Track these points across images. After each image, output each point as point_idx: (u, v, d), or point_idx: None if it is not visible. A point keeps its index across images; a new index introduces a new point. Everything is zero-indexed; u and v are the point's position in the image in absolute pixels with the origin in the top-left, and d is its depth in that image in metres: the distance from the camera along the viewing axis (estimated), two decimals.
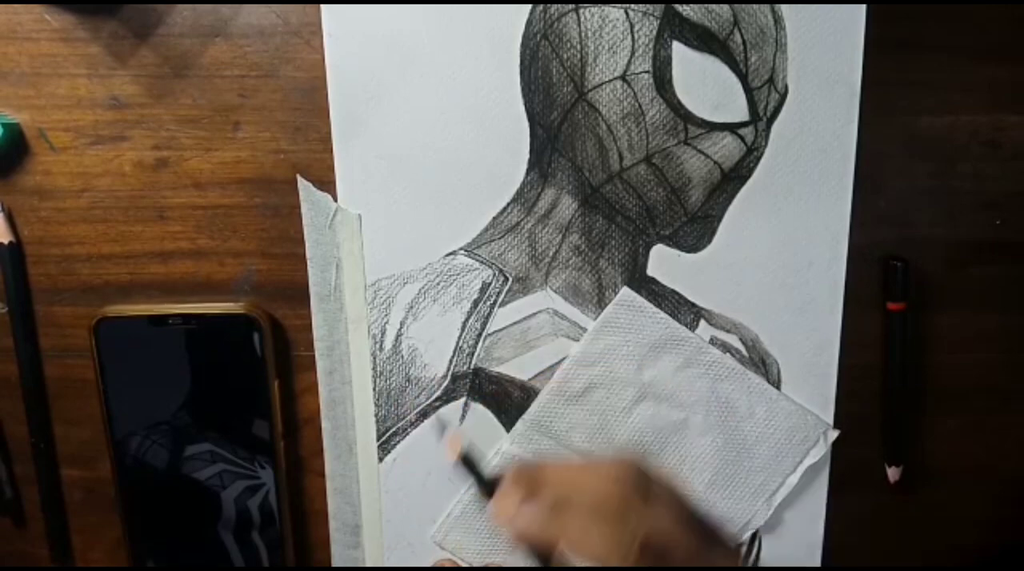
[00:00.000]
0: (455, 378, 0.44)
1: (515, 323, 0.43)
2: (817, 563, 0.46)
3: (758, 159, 0.41)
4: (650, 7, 0.39)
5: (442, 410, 0.43)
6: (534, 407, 0.44)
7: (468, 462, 0.33)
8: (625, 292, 0.43)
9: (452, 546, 0.45)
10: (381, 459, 0.45)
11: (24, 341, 0.44)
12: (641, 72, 0.40)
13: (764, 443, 0.44)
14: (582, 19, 0.40)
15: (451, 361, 0.44)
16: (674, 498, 0.32)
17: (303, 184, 0.42)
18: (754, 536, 0.46)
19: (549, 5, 0.39)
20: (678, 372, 0.43)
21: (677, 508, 0.31)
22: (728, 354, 0.43)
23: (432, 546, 0.45)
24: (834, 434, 0.44)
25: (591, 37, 0.40)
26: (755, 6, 0.39)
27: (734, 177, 0.42)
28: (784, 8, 0.39)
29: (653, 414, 0.44)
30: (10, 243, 0.42)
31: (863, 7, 0.39)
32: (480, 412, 0.44)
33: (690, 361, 0.43)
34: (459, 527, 0.45)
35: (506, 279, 0.43)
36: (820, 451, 0.44)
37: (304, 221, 0.42)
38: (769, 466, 0.44)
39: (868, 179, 0.41)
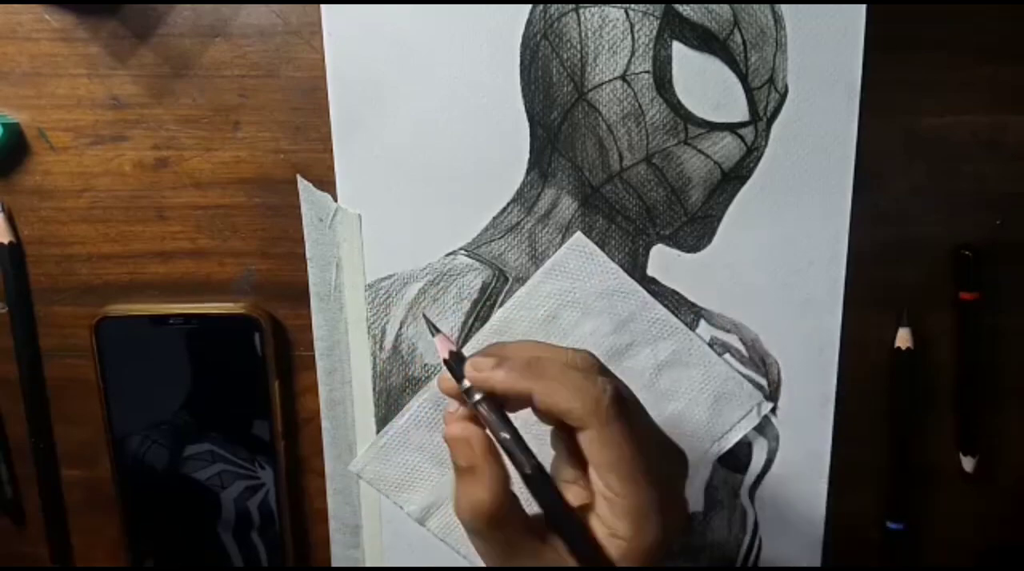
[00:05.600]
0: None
1: None
2: (817, 563, 0.46)
3: (758, 159, 0.41)
4: (650, 7, 0.39)
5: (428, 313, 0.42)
6: (468, 346, 0.43)
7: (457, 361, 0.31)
8: (578, 237, 0.42)
9: (370, 476, 0.45)
10: None
11: (24, 341, 0.44)
12: (641, 72, 0.40)
13: (696, 407, 0.44)
14: (582, 19, 0.40)
15: None
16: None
17: (303, 184, 0.42)
18: (754, 535, 0.46)
19: (549, 5, 0.39)
20: (621, 326, 0.43)
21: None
22: (672, 314, 0.43)
23: (431, 545, 0.45)
24: (768, 406, 0.44)
25: (591, 37, 0.40)
26: (755, 6, 0.39)
27: (734, 177, 0.42)
28: (784, 8, 0.39)
29: None
30: (10, 243, 0.42)
31: (863, 7, 0.39)
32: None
33: (633, 315, 0.43)
34: (380, 458, 0.44)
35: (506, 279, 0.43)
36: (752, 422, 0.44)
37: (304, 221, 0.42)
38: (698, 431, 0.44)
39: (868, 179, 0.41)
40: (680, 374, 0.44)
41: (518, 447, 0.30)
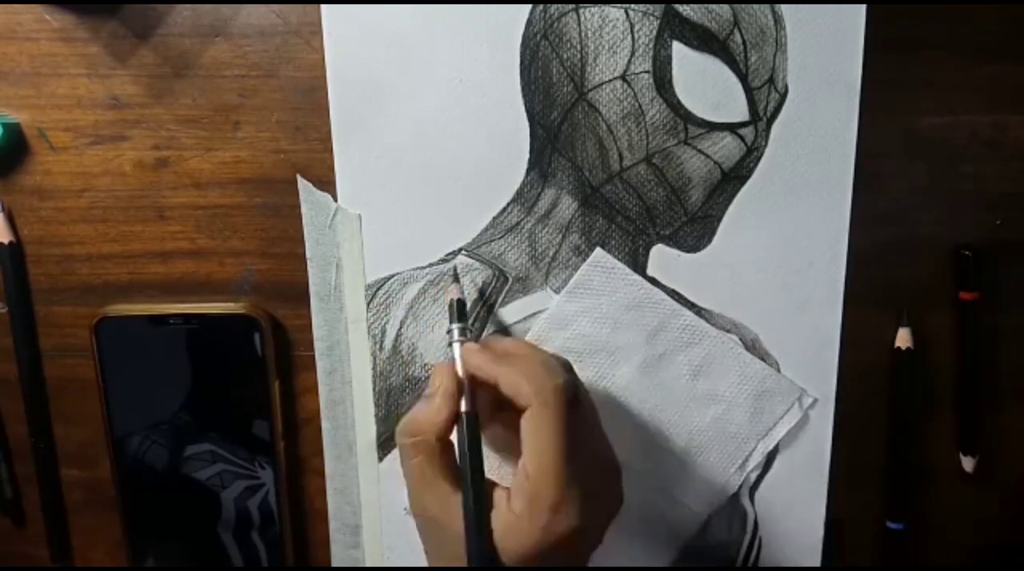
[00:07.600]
0: None
1: (515, 323, 0.43)
2: (817, 563, 0.46)
3: (758, 159, 0.41)
4: (650, 7, 0.39)
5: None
6: None
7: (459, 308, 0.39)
8: (598, 253, 0.42)
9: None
10: (381, 459, 0.45)
11: (24, 341, 0.44)
12: (641, 72, 0.40)
13: (737, 408, 0.44)
14: (582, 19, 0.40)
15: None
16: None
17: (303, 184, 0.42)
18: (754, 536, 0.46)
19: (549, 5, 0.39)
20: (652, 336, 0.43)
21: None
22: (702, 319, 0.43)
23: None
24: (809, 399, 0.44)
25: (591, 37, 0.40)
26: (755, 6, 0.39)
27: (734, 177, 0.42)
28: (784, 8, 0.39)
29: (627, 379, 0.43)
30: (10, 243, 0.42)
31: (863, 7, 0.39)
32: None
33: (664, 324, 0.43)
34: None
35: (506, 279, 0.43)
36: (795, 416, 0.44)
37: (304, 221, 0.42)
38: (742, 431, 0.44)
39: (868, 179, 0.41)
40: (717, 377, 0.44)
41: (469, 396, 0.35)
